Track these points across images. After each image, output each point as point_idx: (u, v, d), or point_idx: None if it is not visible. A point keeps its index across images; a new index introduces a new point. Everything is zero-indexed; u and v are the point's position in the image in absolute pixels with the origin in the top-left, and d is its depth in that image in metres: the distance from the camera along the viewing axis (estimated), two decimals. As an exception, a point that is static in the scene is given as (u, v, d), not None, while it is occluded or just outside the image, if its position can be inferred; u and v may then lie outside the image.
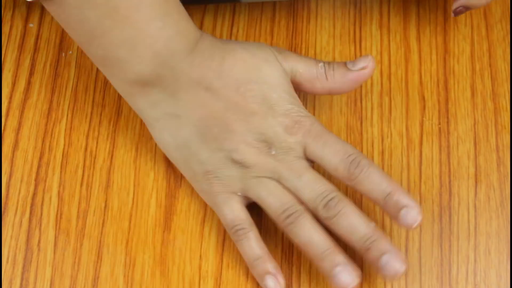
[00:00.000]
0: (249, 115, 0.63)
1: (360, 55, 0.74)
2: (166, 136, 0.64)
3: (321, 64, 0.65)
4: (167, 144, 0.65)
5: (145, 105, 0.63)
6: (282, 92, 0.64)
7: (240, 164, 0.63)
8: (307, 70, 0.65)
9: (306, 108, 0.72)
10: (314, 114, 0.71)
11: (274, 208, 0.62)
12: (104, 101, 0.72)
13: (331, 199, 0.62)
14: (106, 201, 0.68)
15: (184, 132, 0.64)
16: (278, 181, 0.63)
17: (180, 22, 0.62)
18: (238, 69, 0.63)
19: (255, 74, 0.63)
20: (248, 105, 0.63)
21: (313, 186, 0.62)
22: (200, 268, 0.66)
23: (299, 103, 0.65)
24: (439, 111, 0.72)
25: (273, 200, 0.63)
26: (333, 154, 0.63)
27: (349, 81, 0.65)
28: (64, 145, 0.70)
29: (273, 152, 0.63)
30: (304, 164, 0.63)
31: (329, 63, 0.66)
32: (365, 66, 0.65)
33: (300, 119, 0.63)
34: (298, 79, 0.65)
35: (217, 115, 0.63)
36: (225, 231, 0.67)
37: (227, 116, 0.63)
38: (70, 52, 0.74)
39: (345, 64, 0.65)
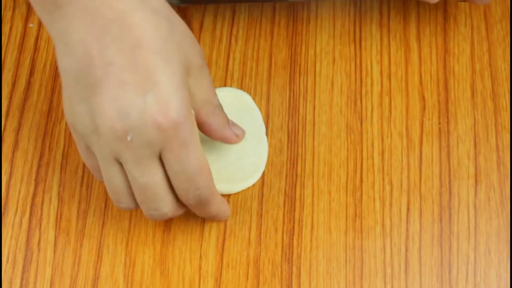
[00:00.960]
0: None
1: (360, 55, 0.74)
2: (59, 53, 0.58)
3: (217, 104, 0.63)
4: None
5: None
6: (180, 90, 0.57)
7: (95, 128, 0.57)
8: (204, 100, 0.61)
9: (306, 107, 0.72)
10: (314, 114, 0.71)
11: (108, 188, 0.60)
12: (104, 101, 0.72)
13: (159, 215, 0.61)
14: (106, 201, 0.68)
15: (67, 61, 0.57)
16: (121, 164, 0.58)
17: None
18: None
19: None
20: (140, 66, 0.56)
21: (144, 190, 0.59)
22: (200, 268, 0.66)
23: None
24: (439, 111, 0.72)
25: (110, 182, 0.60)
26: (183, 178, 0.59)
27: (220, 134, 0.64)
28: (64, 145, 0.70)
29: (129, 138, 0.56)
30: (151, 165, 0.58)
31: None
32: (238, 135, 0.65)
33: (165, 116, 0.56)
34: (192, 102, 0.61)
35: (99, 62, 0.55)
36: (225, 231, 0.67)
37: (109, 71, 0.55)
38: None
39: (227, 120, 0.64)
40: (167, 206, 0.61)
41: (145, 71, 0.55)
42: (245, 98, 0.71)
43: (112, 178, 0.59)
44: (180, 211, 0.62)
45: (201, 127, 0.63)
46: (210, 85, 0.62)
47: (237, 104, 0.70)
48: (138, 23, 0.56)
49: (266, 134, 0.70)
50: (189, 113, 0.57)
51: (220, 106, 0.63)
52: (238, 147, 0.68)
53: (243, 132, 0.66)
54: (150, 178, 0.58)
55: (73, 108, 0.57)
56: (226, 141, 0.64)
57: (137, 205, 0.61)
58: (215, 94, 0.62)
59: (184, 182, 0.59)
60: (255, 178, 0.68)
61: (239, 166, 0.68)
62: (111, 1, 0.56)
